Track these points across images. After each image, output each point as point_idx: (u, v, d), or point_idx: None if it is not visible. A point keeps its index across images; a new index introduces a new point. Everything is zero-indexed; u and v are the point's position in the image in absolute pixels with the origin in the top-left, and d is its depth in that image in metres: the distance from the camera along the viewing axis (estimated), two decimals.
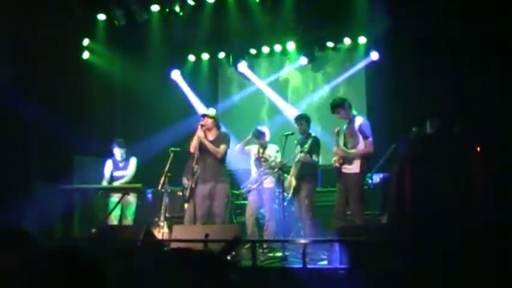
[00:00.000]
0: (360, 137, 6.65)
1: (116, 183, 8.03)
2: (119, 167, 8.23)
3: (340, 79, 10.15)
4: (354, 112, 6.94)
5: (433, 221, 4.06)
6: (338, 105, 6.86)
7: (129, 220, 8.03)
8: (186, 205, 8.17)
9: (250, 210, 7.93)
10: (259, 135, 8.02)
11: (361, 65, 9.91)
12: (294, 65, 10.52)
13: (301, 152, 7.42)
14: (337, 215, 6.73)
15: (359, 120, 6.77)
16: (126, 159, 8.27)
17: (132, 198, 8.04)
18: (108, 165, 8.23)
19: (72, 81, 8.75)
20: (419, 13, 8.16)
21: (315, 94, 10.48)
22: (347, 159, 6.64)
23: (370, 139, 6.66)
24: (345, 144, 6.77)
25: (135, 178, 8.21)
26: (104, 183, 8.12)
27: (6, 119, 7.53)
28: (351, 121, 6.81)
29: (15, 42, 7.76)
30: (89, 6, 9.29)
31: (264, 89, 10.67)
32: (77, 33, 9.45)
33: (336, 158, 6.76)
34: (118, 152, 8.22)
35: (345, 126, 6.91)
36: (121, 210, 8.01)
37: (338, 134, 6.83)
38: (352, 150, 6.64)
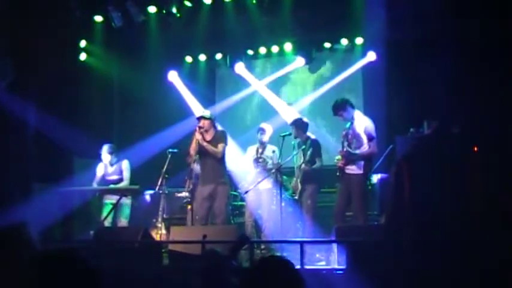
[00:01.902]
0: (364, 138, 6.63)
1: (110, 186, 8.04)
2: (110, 171, 8.22)
3: (337, 80, 10.10)
4: (357, 113, 6.93)
5: (431, 220, 4.07)
6: (340, 107, 6.83)
7: (123, 222, 8.00)
8: (189, 207, 8.17)
9: (249, 211, 7.95)
10: (258, 130, 8.07)
11: (359, 65, 9.85)
12: (292, 66, 10.47)
13: (302, 162, 7.42)
14: (336, 215, 6.72)
15: (365, 122, 6.73)
16: (117, 163, 8.26)
17: (126, 199, 8.03)
18: (100, 168, 8.23)
19: (70, 83, 8.74)
20: (417, 13, 8.15)
21: (312, 95, 10.46)
22: (351, 160, 6.63)
23: (375, 140, 6.65)
24: (349, 145, 6.75)
25: (130, 180, 8.24)
26: (94, 185, 8.13)
27: (4, 121, 7.52)
28: (354, 122, 6.78)
29: (13, 44, 7.75)
30: (86, 8, 9.27)
31: (261, 90, 10.65)
32: (74, 34, 9.44)
33: (339, 158, 6.73)
34: (107, 158, 8.20)
35: (348, 127, 6.88)
36: (114, 212, 8.01)
37: (346, 136, 6.80)
38: (357, 151, 6.63)
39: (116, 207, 7.89)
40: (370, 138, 6.62)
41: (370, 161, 6.76)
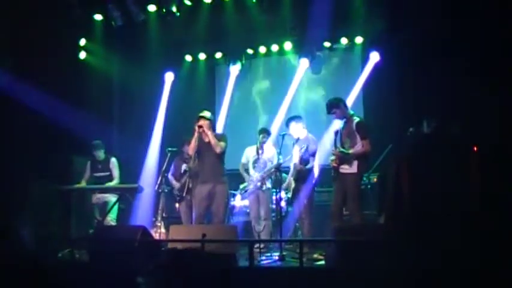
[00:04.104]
0: (358, 137, 6.62)
1: (107, 185, 8.10)
2: (99, 168, 8.32)
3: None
4: (351, 112, 6.93)
5: (431, 220, 4.07)
6: (333, 106, 6.83)
7: (110, 220, 8.03)
8: (177, 205, 8.18)
9: (253, 211, 8.00)
10: (261, 132, 8.09)
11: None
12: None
13: (298, 161, 7.42)
14: (333, 215, 6.71)
15: (356, 120, 6.74)
16: (105, 160, 8.37)
17: (113, 198, 8.08)
18: (88, 166, 8.40)
19: (69, 82, 8.74)
20: (417, 13, 8.16)
21: (313, 94, 10.44)
22: (345, 160, 6.61)
23: (368, 138, 6.63)
24: (342, 144, 6.74)
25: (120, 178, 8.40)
26: (83, 182, 8.26)
27: (4, 120, 7.52)
28: (348, 121, 6.78)
29: (13, 43, 7.75)
30: (86, 7, 9.27)
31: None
32: (74, 33, 9.44)
33: (333, 157, 6.74)
34: (96, 154, 8.38)
35: (342, 126, 6.88)
36: (103, 211, 8.08)
37: (336, 134, 6.80)
38: (350, 151, 6.61)
39: (107, 206, 8.08)
40: (363, 137, 6.59)
41: (365, 160, 6.73)
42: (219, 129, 9.59)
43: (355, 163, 6.57)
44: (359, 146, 6.59)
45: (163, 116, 10.43)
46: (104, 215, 8.00)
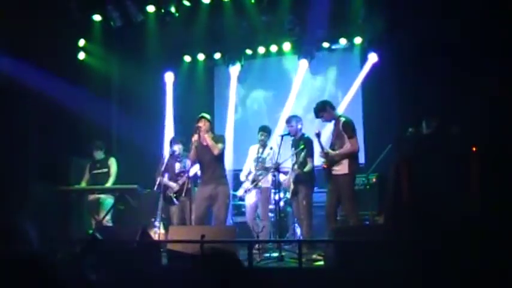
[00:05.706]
0: (345, 137, 6.64)
1: (106, 186, 8.14)
2: (97, 167, 8.39)
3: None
4: (338, 113, 6.95)
5: (430, 220, 4.07)
6: (320, 110, 6.85)
7: (105, 221, 8.03)
8: (173, 208, 8.13)
9: (250, 211, 8.00)
10: (260, 130, 8.08)
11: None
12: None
13: (295, 163, 7.40)
14: (329, 216, 6.71)
15: (342, 120, 6.75)
16: (105, 159, 8.43)
17: (111, 199, 8.10)
18: (87, 168, 8.46)
19: (68, 82, 8.72)
20: (417, 13, 8.16)
21: (312, 95, 10.43)
22: (334, 161, 6.62)
23: (355, 137, 6.64)
24: (332, 146, 6.76)
25: (119, 178, 8.38)
26: (83, 183, 8.31)
27: (4, 120, 7.51)
28: (336, 122, 6.80)
29: (12, 43, 7.74)
30: (85, 8, 9.26)
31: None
32: (73, 34, 9.43)
33: (323, 160, 6.75)
34: (96, 154, 8.44)
35: (333, 128, 6.91)
36: (96, 209, 8.09)
37: (318, 136, 6.79)
38: (337, 152, 6.63)
39: (100, 204, 8.13)
40: (350, 136, 6.60)
41: (356, 159, 6.73)
42: (223, 130, 9.60)
43: (346, 164, 6.57)
44: (347, 146, 6.61)
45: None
46: (97, 212, 8.06)
